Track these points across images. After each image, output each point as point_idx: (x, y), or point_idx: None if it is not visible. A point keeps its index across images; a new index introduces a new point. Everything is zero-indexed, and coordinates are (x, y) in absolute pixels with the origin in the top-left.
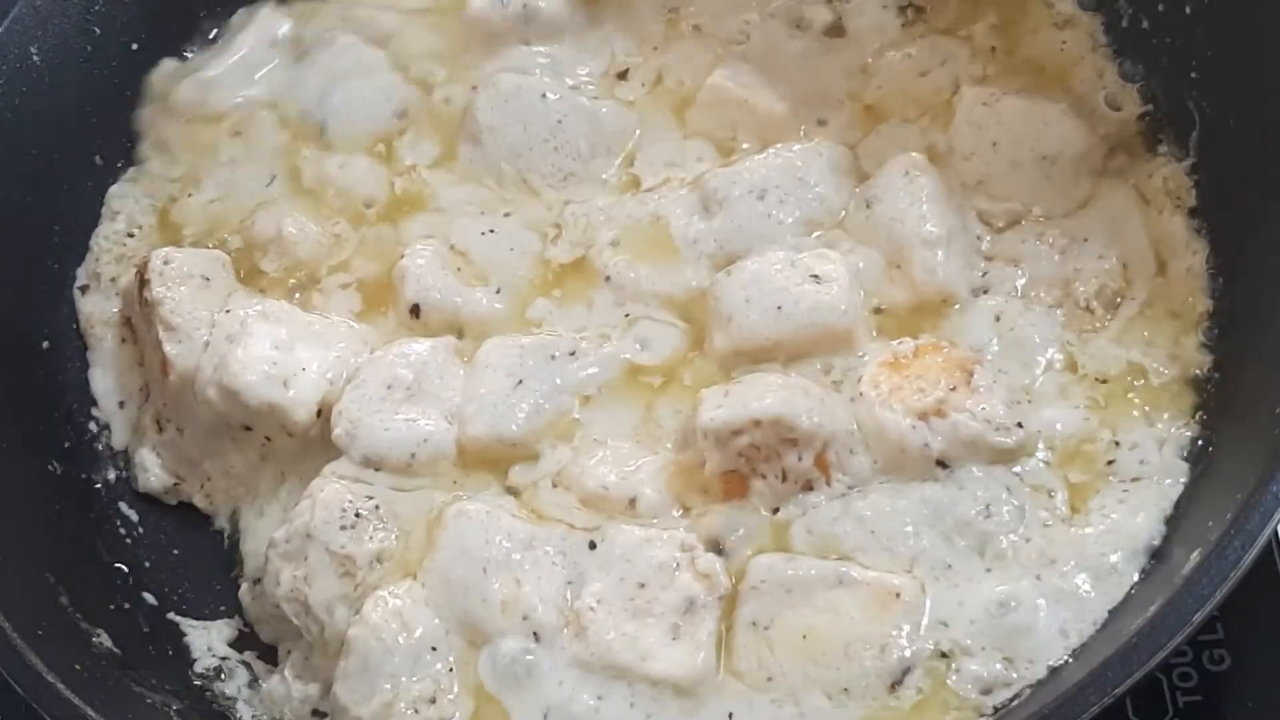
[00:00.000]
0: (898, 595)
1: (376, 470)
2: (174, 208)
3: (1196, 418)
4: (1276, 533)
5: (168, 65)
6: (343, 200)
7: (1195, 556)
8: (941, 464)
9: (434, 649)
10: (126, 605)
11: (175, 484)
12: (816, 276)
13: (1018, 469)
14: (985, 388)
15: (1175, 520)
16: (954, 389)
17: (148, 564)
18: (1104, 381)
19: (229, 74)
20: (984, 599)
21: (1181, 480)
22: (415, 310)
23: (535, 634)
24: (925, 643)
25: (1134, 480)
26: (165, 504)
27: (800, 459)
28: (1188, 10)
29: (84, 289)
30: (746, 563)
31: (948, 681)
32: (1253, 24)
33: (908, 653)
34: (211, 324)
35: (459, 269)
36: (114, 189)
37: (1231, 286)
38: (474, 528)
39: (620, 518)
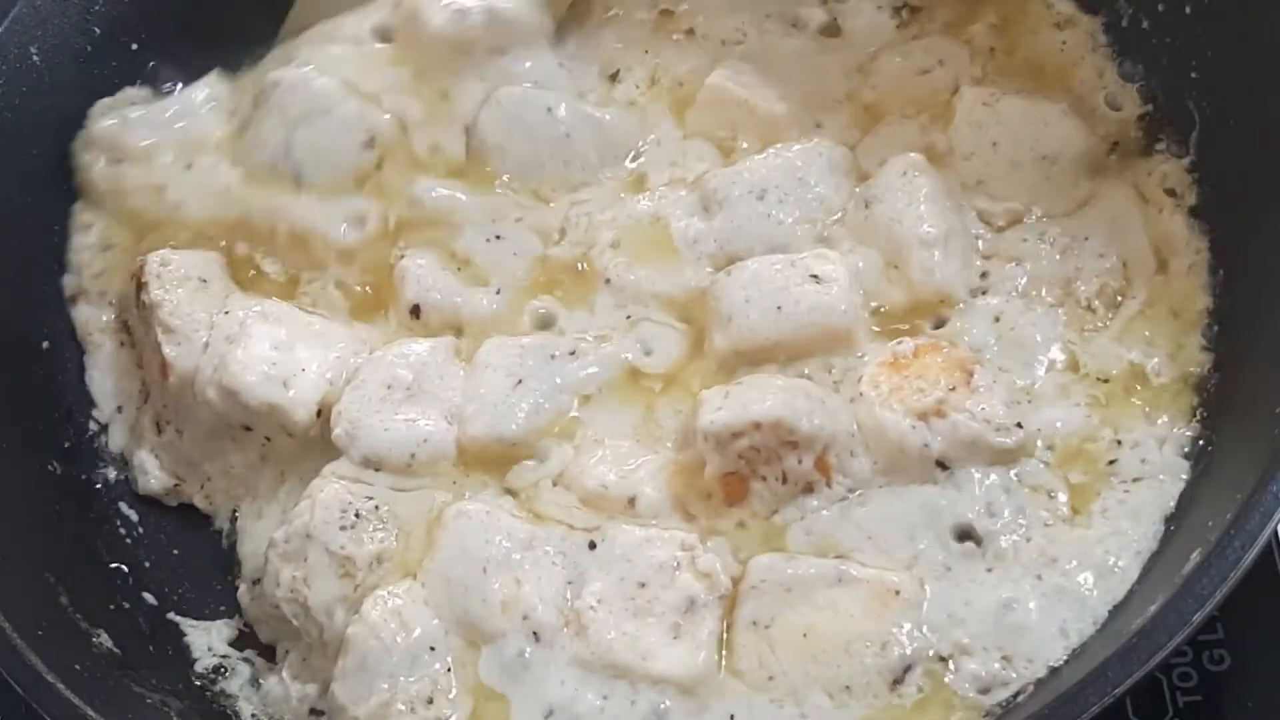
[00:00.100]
0: (897, 592)
1: (376, 470)
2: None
3: (1197, 417)
4: (1276, 533)
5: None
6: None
7: (1195, 556)
8: (941, 465)
9: (432, 649)
10: (126, 605)
11: (175, 485)
12: (816, 276)
13: (1017, 470)
14: (985, 388)
15: (1176, 520)
16: (954, 389)
17: (148, 564)
18: (1105, 381)
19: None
20: (984, 598)
21: (1182, 479)
22: (415, 310)
23: (535, 634)
24: (926, 640)
25: (1135, 480)
26: (165, 504)
27: (800, 461)
28: (1188, 10)
29: (73, 299)
30: (746, 562)
31: (947, 680)
32: (1253, 24)
33: (908, 650)
34: (210, 325)
35: (458, 269)
36: (77, 204)
37: (1232, 285)
38: (474, 528)
39: (620, 517)
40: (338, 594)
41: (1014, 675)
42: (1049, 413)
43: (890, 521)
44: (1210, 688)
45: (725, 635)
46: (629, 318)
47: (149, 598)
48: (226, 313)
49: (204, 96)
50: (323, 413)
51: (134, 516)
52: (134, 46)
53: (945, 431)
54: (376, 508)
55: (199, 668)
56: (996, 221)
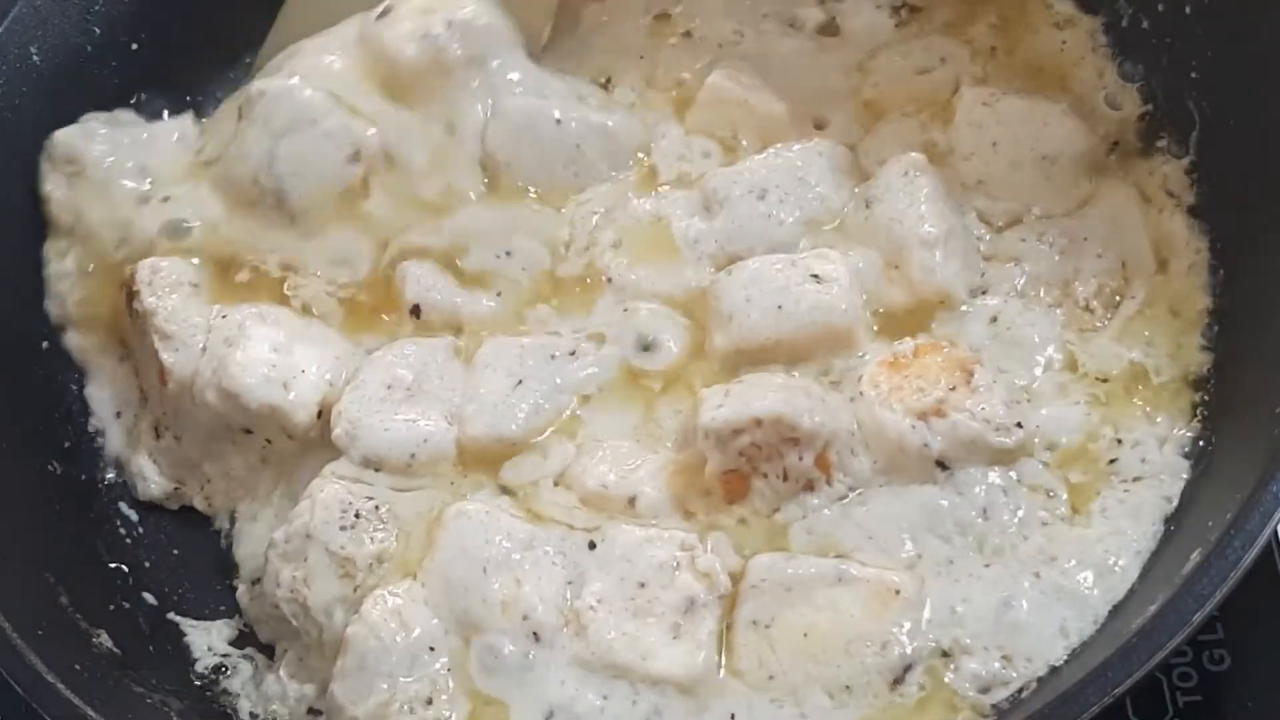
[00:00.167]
0: (897, 592)
1: (376, 471)
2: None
3: (1197, 417)
4: (1276, 533)
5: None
6: None
7: (1195, 556)
8: (941, 465)
9: (432, 649)
10: (126, 605)
11: (175, 489)
12: (817, 276)
13: (1017, 470)
14: (985, 387)
15: (1176, 520)
16: (954, 389)
17: (148, 564)
18: (1104, 381)
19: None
20: (984, 597)
21: (1182, 479)
22: (416, 310)
23: (535, 634)
24: (926, 640)
25: (1135, 479)
26: (166, 506)
27: (801, 459)
28: (1188, 10)
29: (60, 328)
30: (746, 562)
31: (947, 679)
32: (1253, 24)
33: (908, 650)
34: (207, 329)
35: (462, 283)
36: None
37: (1232, 285)
38: (474, 528)
39: (620, 517)
40: (337, 594)
41: (1014, 674)
42: (1049, 412)
43: (891, 521)
44: (1210, 688)
45: (725, 635)
46: (625, 310)
47: (149, 598)
48: (224, 316)
49: (176, 135)
50: (323, 414)
51: (134, 516)
52: (134, 46)
53: (945, 431)
54: (376, 508)
55: (199, 668)
56: (996, 221)
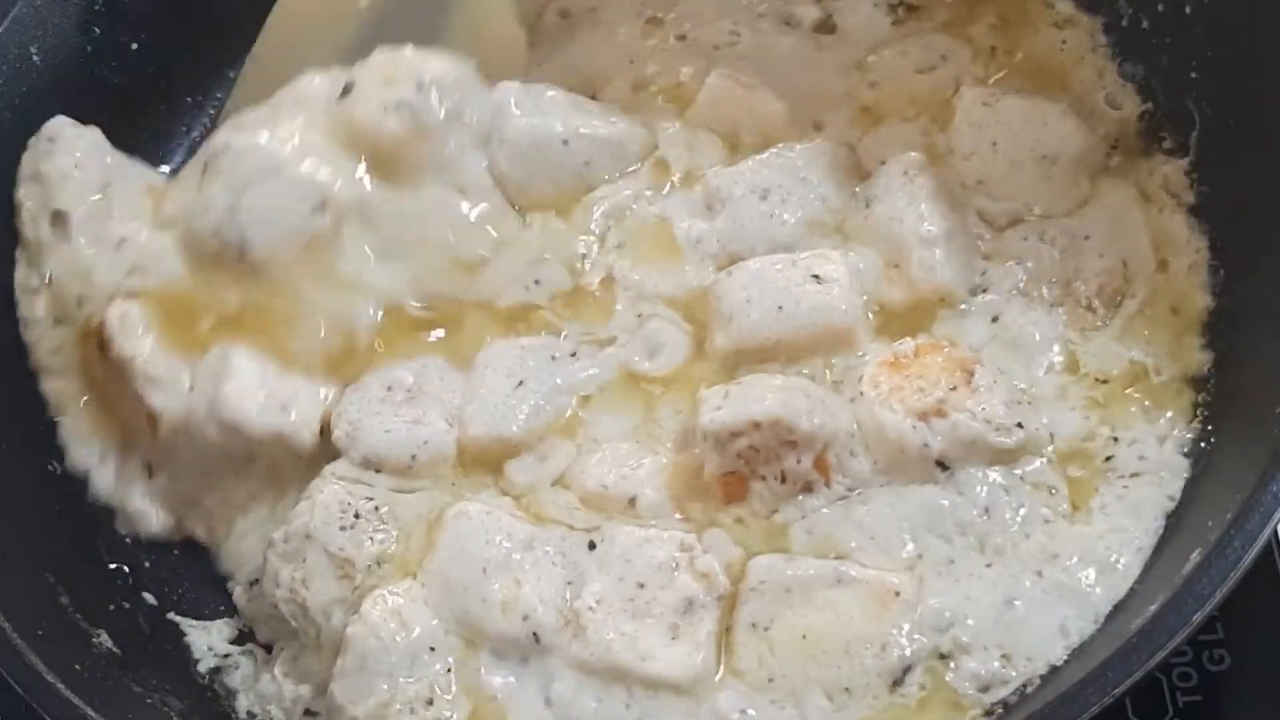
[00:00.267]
0: (897, 593)
1: (377, 472)
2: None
3: (1197, 416)
4: (1276, 533)
5: None
6: None
7: (1195, 556)
8: (941, 465)
9: (432, 649)
10: (126, 605)
11: (177, 523)
12: (817, 276)
13: (1018, 470)
14: (985, 388)
15: (1176, 518)
16: (954, 389)
17: (148, 564)
18: (1104, 381)
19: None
20: (984, 596)
21: (1182, 477)
22: None
23: (535, 634)
24: (925, 640)
25: (1133, 476)
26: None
27: (800, 461)
28: (1188, 10)
29: (35, 373)
30: (745, 563)
31: (947, 679)
32: (1252, 24)
33: (908, 651)
34: (189, 366)
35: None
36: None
37: (1232, 284)
38: (474, 528)
39: (620, 518)
40: (336, 595)
41: (1014, 674)
42: (1049, 412)
43: (891, 521)
44: (1210, 688)
45: (725, 636)
46: (639, 315)
47: (149, 598)
48: (206, 351)
49: (144, 186)
50: (325, 430)
51: None
52: (134, 46)
53: (945, 431)
54: (376, 508)
55: (199, 668)
56: (997, 221)
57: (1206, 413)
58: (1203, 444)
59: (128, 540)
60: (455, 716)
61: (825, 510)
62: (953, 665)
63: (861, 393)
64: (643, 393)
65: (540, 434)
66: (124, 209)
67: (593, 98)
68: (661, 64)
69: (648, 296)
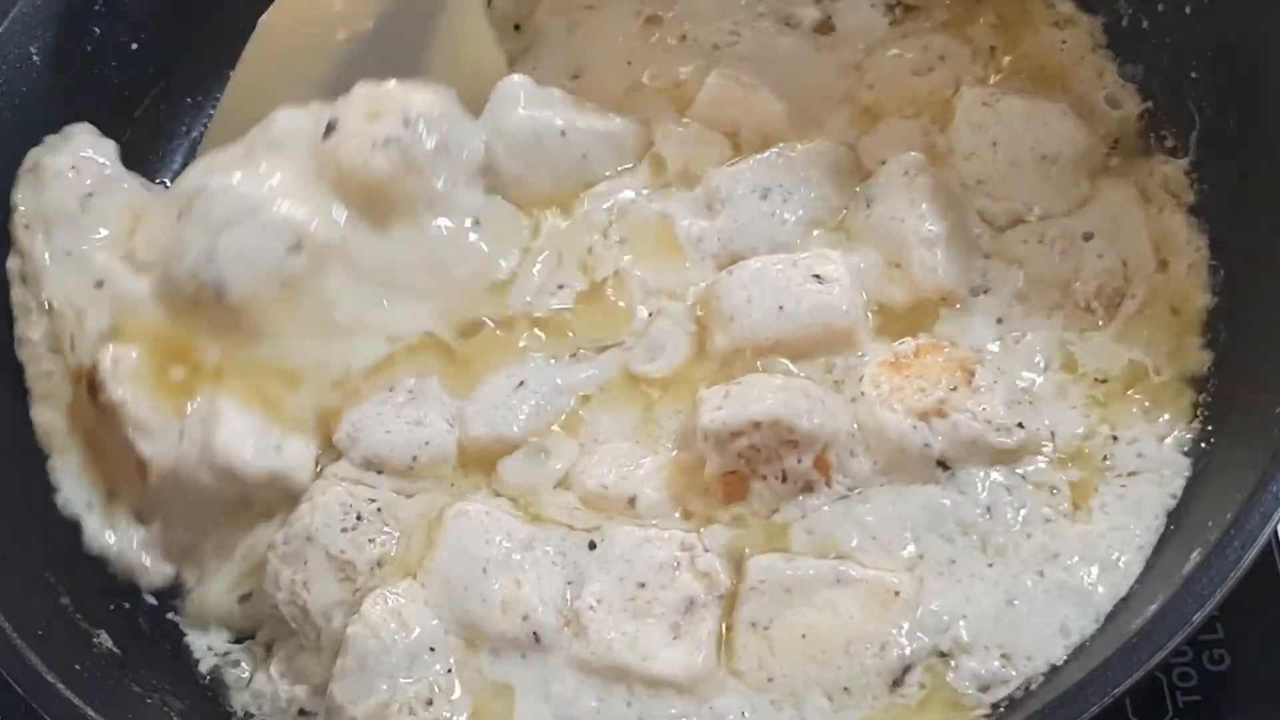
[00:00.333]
0: (897, 593)
1: (379, 473)
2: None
3: (1197, 416)
4: (1276, 533)
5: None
6: None
7: (1195, 556)
8: (942, 465)
9: (432, 649)
10: (126, 605)
11: (176, 574)
12: (818, 276)
13: (1019, 470)
14: (986, 388)
15: (1176, 518)
16: (955, 389)
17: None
18: (1104, 381)
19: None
20: (985, 595)
21: (1182, 476)
22: None
23: (535, 634)
24: (925, 640)
25: (1131, 474)
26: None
27: (800, 460)
28: (1188, 10)
29: (25, 394)
30: (746, 563)
31: (948, 679)
32: (1253, 24)
33: (907, 651)
34: (178, 413)
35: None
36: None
37: (1232, 284)
38: (474, 528)
39: (620, 517)
40: (337, 598)
41: (1014, 673)
42: (1049, 412)
43: (891, 521)
44: (1210, 688)
45: (725, 636)
46: (649, 315)
47: (149, 598)
48: (189, 389)
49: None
50: (320, 464)
51: None
52: (134, 46)
53: (946, 431)
54: (379, 510)
55: (199, 667)
56: (997, 221)
57: (1206, 413)
58: (1203, 443)
59: None
60: (455, 717)
61: (825, 510)
62: (953, 665)
63: (862, 392)
64: (643, 393)
65: (541, 434)
66: (100, 223)
67: (590, 95)
68: (661, 63)
69: (653, 292)
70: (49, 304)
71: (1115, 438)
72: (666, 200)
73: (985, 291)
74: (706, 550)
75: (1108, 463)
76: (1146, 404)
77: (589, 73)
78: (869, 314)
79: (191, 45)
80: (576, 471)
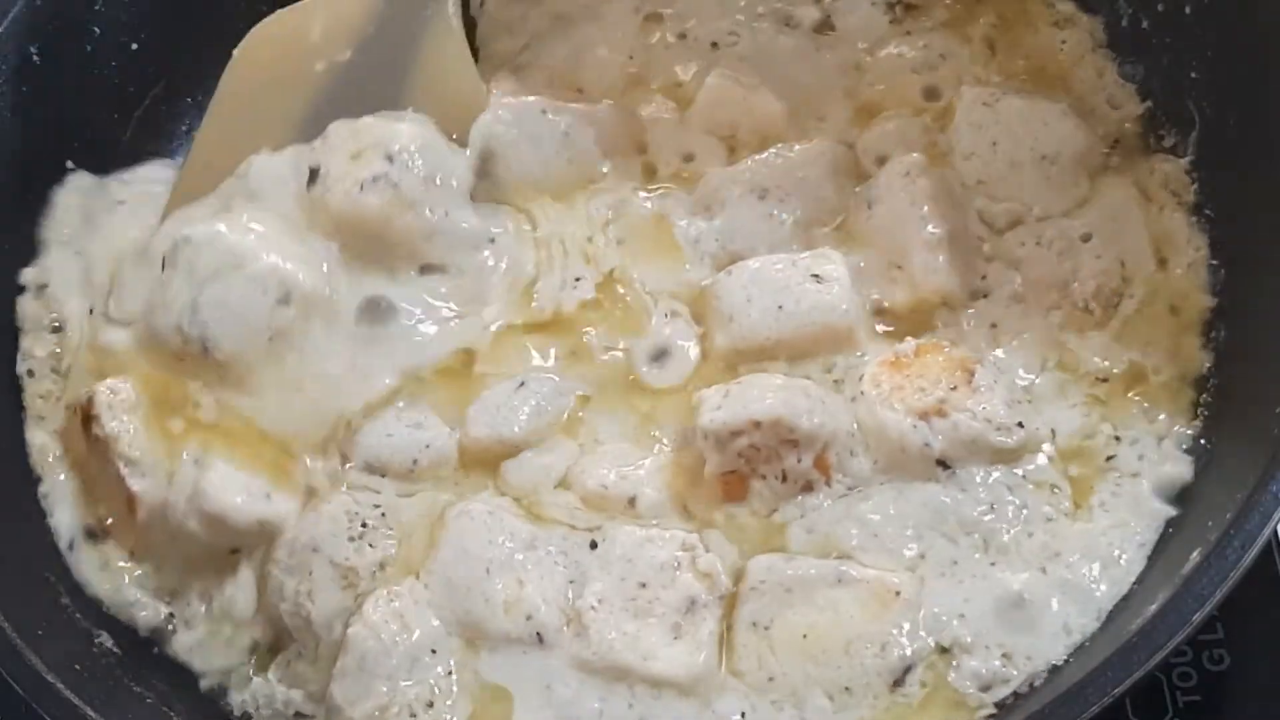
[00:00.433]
0: (897, 593)
1: (382, 476)
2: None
3: (1197, 415)
4: (1276, 533)
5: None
6: None
7: (1195, 556)
8: (942, 464)
9: (433, 651)
10: None
11: (169, 615)
12: (817, 276)
13: (1020, 469)
14: (986, 387)
15: (1176, 518)
16: (955, 389)
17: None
18: (1104, 380)
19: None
20: (986, 594)
21: (1183, 474)
22: None
23: (538, 635)
24: (926, 640)
25: (1134, 475)
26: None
27: (800, 460)
28: (1188, 10)
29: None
30: (746, 563)
31: (949, 678)
32: (1253, 24)
33: (908, 651)
34: (170, 453)
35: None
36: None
37: (1232, 284)
38: (476, 528)
39: (620, 517)
40: (340, 606)
41: (1015, 672)
42: (1050, 411)
43: (892, 520)
44: (1210, 688)
45: (726, 636)
46: (668, 316)
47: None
48: (182, 431)
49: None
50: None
51: None
52: (134, 46)
53: (946, 431)
54: (383, 515)
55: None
56: (997, 222)
57: (1206, 412)
58: (1203, 442)
59: None
60: (455, 719)
61: (825, 509)
62: (954, 664)
63: (862, 392)
64: (642, 393)
65: (541, 434)
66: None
67: (587, 93)
68: (660, 62)
69: (652, 293)
70: (58, 323)
71: (1118, 437)
72: (664, 200)
73: (985, 295)
74: (707, 550)
75: (1111, 462)
76: (1146, 404)
77: (588, 71)
78: (869, 314)
79: (191, 45)
80: (577, 471)
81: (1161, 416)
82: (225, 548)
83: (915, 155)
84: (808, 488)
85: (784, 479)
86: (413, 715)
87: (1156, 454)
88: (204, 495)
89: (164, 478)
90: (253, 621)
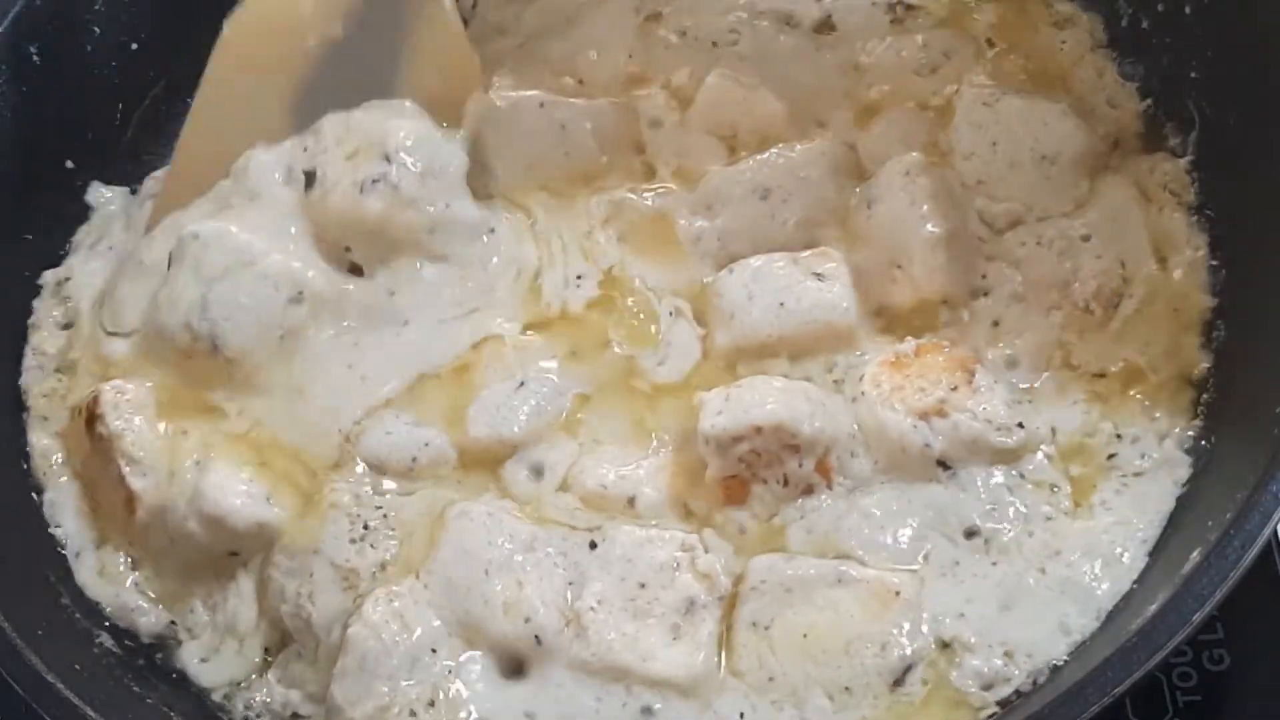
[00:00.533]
0: (897, 593)
1: (382, 474)
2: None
3: (1197, 415)
4: (1276, 533)
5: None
6: None
7: (1195, 556)
8: (943, 464)
9: (434, 650)
10: None
11: (171, 623)
12: (819, 274)
13: (1020, 469)
14: (986, 387)
15: (1176, 517)
16: (955, 389)
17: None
18: (1103, 379)
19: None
20: (986, 594)
21: (1183, 474)
22: None
23: (537, 637)
24: (926, 640)
25: (1135, 474)
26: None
27: (801, 465)
28: (1188, 10)
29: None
30: (746, 563)
31: (950, 677)
32: (1253, 24)
33: (908, 650)
34: (172, 453)
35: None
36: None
37: (1232, 284)
38: (476, 528)
39: (620, 518)
40: (340, 608)
41: (1016, 672)
42: (1050, 410)
43: (893, 520)
44: (1210, 688)
45: (725, 636)
46: (671, 314)
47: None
48: (185, 432)
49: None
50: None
51: None
52: (134, 46)
53: (946, 431)
54: (385, 516)
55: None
56: (997, 222)
57: (1206, 412)
58: (1203, 441)
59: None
60: (455, 718)
61: (826, 509)
62: (956, 663)
63: (863, 392)
64: (642, 392)
65: (541, 434)
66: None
67: (587, 92)
68: (660, 62)
69: (654, 290)
70: (70, 322)
71: (1120, 436)
72: (664, 198)
73: (985, 293)
74: (707, 551)
75: (1112, 461)
76: (1146, 403)
77: (587, 69)
78: (869, 313)
79: (191, 45)
80: (577, 471)
81: (1162, 415)
82: (224, 550)
83: (915, 155)
84: (809, 491)
85: (785, 483)
86: (414, 715)
87: (1158, 453)
88: (204, 496)
89: (165, 478)
90: (256, 630)
